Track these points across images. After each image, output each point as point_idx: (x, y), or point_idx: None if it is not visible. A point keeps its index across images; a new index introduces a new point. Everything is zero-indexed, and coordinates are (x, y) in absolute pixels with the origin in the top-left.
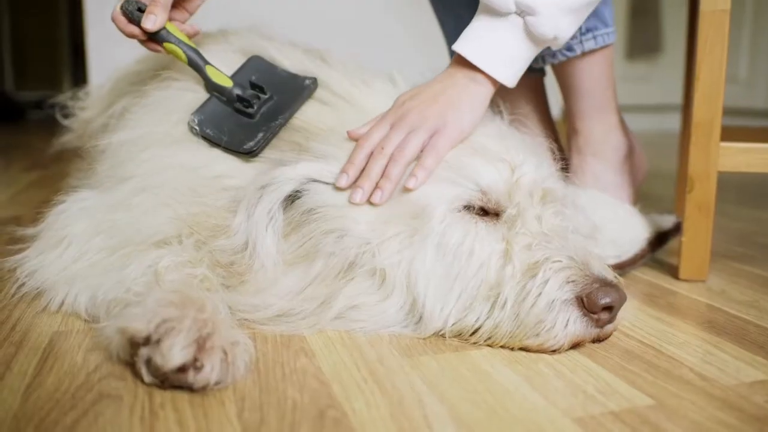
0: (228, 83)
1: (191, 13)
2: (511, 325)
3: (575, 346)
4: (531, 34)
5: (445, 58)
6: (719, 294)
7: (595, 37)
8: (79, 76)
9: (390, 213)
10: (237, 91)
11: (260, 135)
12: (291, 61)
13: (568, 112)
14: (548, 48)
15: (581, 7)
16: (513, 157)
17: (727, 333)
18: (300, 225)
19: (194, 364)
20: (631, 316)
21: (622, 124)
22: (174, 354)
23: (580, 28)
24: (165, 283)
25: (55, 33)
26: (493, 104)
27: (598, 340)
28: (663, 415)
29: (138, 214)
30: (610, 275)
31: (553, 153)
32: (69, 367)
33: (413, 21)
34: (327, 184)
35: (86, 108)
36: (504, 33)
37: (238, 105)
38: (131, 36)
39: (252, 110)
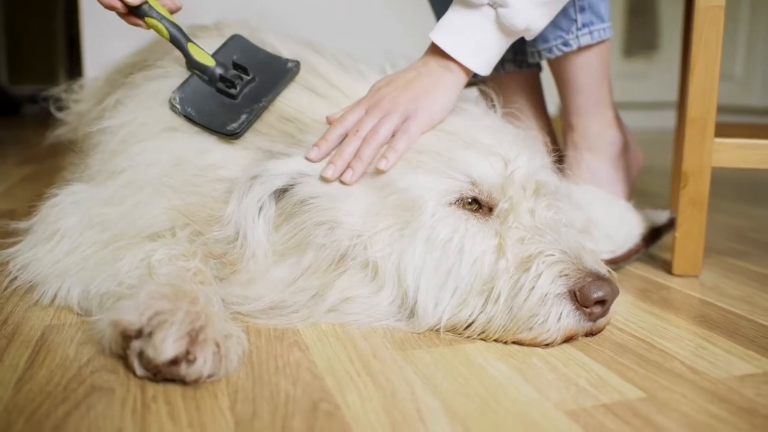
0: (210, 62)
1: None
2: (504, 318)
3: (568, 339)
4: (502, 26)
5: None
6: (712, 289)
7: (591, 32)
8: (74, 70)
9: (382, 205)
10: (219, 71)
11: (243, 117)
12: (287, 53)
13: (564, 108)
14: (545, 43)
15: (553, 0)
16: (506, 151)
17: (719, 327)
18: (291, 216)
19: (187, 357)
20: (625, 310)
21: (618, 119)
22: (166, 347)
23: (576, 23)
24: (158, 276)
25: (50, 27)
26: (488, 98)
27: (590, 333)
28: (654, 408)
29: (131, 206)
30: (603, 269)
31: (548, 147)
32: (61, 360)
33: (409, 14)
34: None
35: (80, 100)
36: (476, 23)
37: (220, 85)
38: (111, 8)
39: (235, 91)
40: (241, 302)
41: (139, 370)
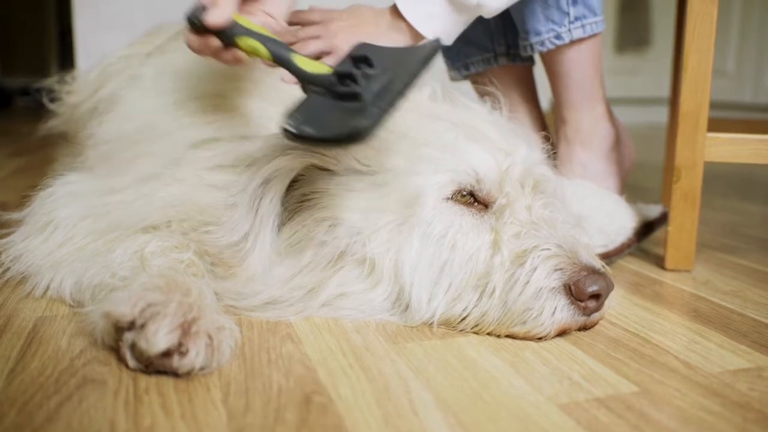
0: (326, 69)
1: (276, 18)
2: (498, 312)
3: (562, 333)
4: (453, 1)
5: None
6: (704, 284)
7: (583, 26)
8: (66, 63)
9: (384, 201)
10: (338, 69)
11: (374, 111)
12: None
13: (556, 102)
14: (537, 36)
15: None
16: (507, 146)
17: (712, 322)
18: (292, 214)
19: (179, 349)
20: (617, 304)
21: (610, 113)
22: (158, 339)
23: (569, 16)
24: (151, 267)
25: (42, 19)
26: (491, 94)
27: (584, 328)
28: (647, 402)
29: (131, 198)
30: (598, 264)
31: (542, 142)
32: (53, 351)
33: None
34: (323, 170)
35: (73, 92)
36: None
37: (340, 88)
38: (201, 51)
39: (359, 88)
40: (237, 298)
41: (132, 362)
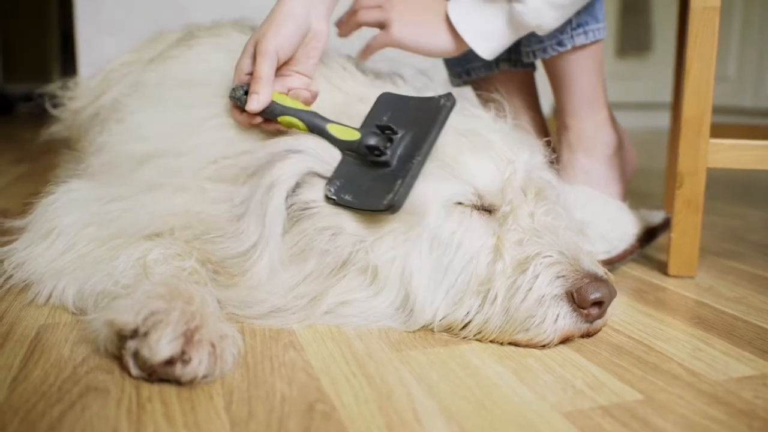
0: (355, 136)
1: (309, 76)
2: (501, 319)
3: (565, 341)
4: (514, 20)
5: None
6: (708, 290)
7: (585, 32)
8: (68, 69)
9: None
10: (366, 142)
11: (399, 182)
12: None
13: (558, 108)
14: (539, 42)
15: (569, 5)
16: (510, 153)
17: (716, 329)
18: (295, 222)
19: (182, 357)
20: (620, 311)
21: (612, 119)
22: (161, 347)
23: (571, 23)
24: (153, 275)
25: (44, 25)
26: (494, 101)
27: (587, 335)
28: (652, 410)
29: (134, 207)
30: (601, 271)
31: (544, 148)
32: (56, 359)
33: None
34: (323, 178)
35: (75, 98)
36: (490, 13)
37: (370, 157)
38: (246, 125)
39: (386, 157)
40: (241, 307)
41: (135, 370)
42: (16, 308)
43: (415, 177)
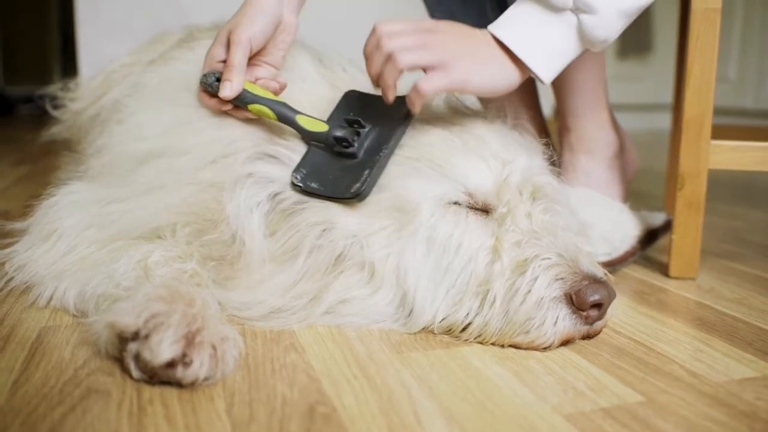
0: (323, 128)
1: (276, 67)
2: (500, 322)
3: (565, 343)
4: (583, 35)
5: None
6: (709, 291)
7: None
8: (69, 71)
9: (376, 206)
10: (334, 133)
11: (366, 173)
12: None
13: (560, 109)
14: None
15: (635, 11)
16: (504, 154)
17: (717, 330)
18: (286, 218)
19: (183, 360)
20: (622, 313)
21: (614, 121)
22: (163, 349)
23: None
24: (154, 277)
25: (45, 27)
26: (494, 102)
27: (587, 336)
28: (653, 412)
29: (135, 207)
30: (600, 272)
31: (544, 149)
32: (57, 362)
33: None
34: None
35: (76, 99)
36: (553, 28)
37: (337, 148)
38: (215, 110)
39: (353, 149)
40: (241, 308)
41: (136, 373)
42: (17, 310)
43: (381, 169)
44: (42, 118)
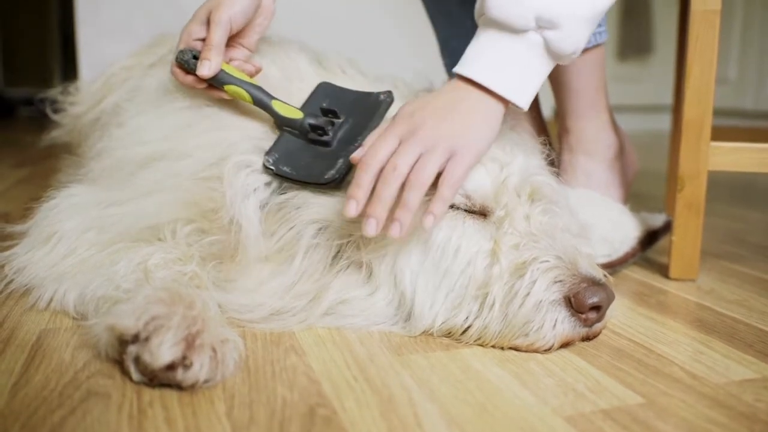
0: (298, 115)
1: (251, 50)
2: (500, 325)
3: (565, 345)
4: (550, 51)
5: (439, 60)
6: (709, 293)
7: None
8: (69, 73)
9: None
10: (309, 121)
11: (340, 161)
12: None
13: (560, 111)
14: None
15: (597, 16)
16: (501, 156)
17: (717, 331)
18: (282, 217)
19: (183, 362)
20: (621, 314)
21: (613, 122)
22: (163, 352)
23: None
24: (154, 280)
25: (45, 29)
26: None
27: (587, 338)
28: (653, 413)
29: (135, 209)
30: (599, 274)
31: (544, 150)
32: (57, 364)
33: (406, 21)
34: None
35: (77, 103)
36: (520, 52)
37: (312, 135)
38: (190, 86)
39: (327, 137)
40: (241, 311)
41: (136, 375)
42: (17, 313)
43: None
44: (42, 120)
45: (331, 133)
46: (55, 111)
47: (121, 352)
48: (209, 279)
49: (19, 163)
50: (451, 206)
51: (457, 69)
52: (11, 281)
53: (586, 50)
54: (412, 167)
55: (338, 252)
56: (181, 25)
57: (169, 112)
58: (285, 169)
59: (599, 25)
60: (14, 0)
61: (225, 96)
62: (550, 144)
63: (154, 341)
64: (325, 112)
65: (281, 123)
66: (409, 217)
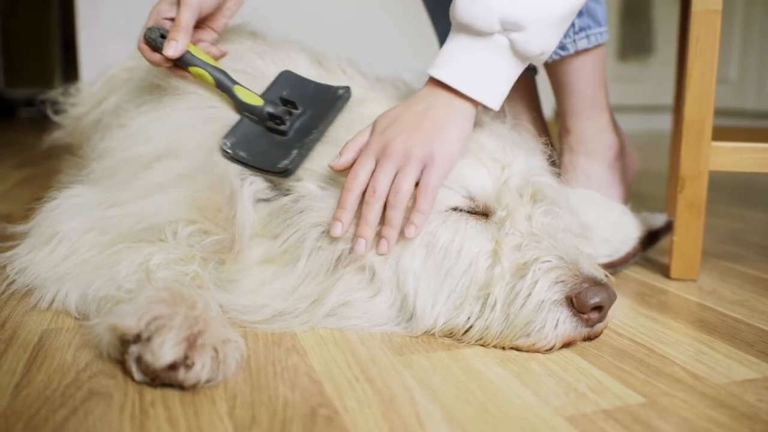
0: (258, 102)
1: (218, 33)
2: (501, 325)
3: (567, 345)
4: (517, 53)
5: None
6: (710, 293)
7: (588, 36)
8: (70, 74)
9: None
10: (268, 109)
11: (294, 152)
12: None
13: (560, 111)
14: None
15: (567, 17)
16: (503, 156)
17: (718, 332)
18: (286, 219)
19: (185, 362)
20: (623, 314)
21: (614, 122)
22: (164, 351)
23: (573, 27)
24: (156, 280)
25: (46, 30)
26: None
27: (588, 338)
28: (654, 413)
29: (137, 209)
30: (600, 274)
31: (545, 151)
32: (59, 364)
33: (407, 21)
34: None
35: (77, 104)
36: (487, 54)
37: (270, 123)
38: (155, 64)
39: (285, 127)
40: (243, 311)
41: (138, 375)
42: (19, 313)
43: (309, 150)
44: (43, 121)
45: (288, 123)
46: (56, 112)
47: (123, 352)
48: (211, 279)
49: (19, 164)
50: (454, 208)
51: (429, 71)
52: (13, 282)
53: (586, 51)
54: (391, 185)
55: (341, 255)
56: None
57: (171, 113)
58: (242, 154)
59: (600, 25)
60: (15, 1)
61: (189, 77)
62: (552, 145)
63: (156, 341)
64: (285, 101)
65: (242, 108)
66: (395, 234)
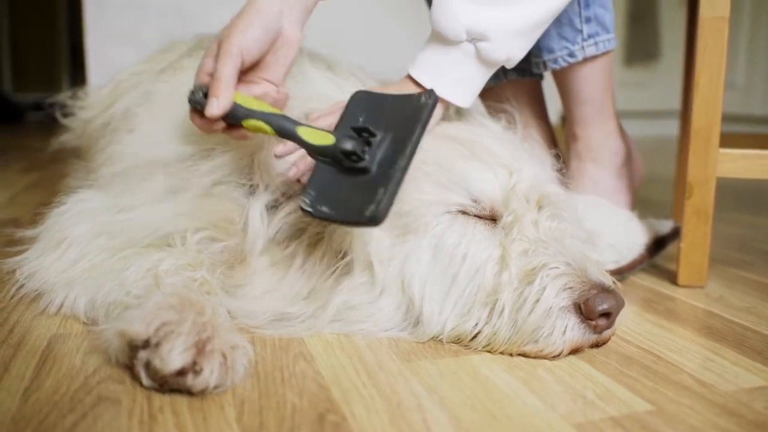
0: (329, 140)
1: (277, 85)
2: (509, 331)
3: (574, 351)
4: (483, 60)
5: None
6: (717, 300)
7: (596, 43)
8: (77, 78)
9: None
10: (341, 146)
11: (381, 191)
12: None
13: (568, 118)
14: (550, 53)
15: (532, 29)
16: (511, 162)
17: (726, 339)
18: (297, 228)
19: (193, 368)
20: (630, 321)
21: (621, 129)
22: (173, 357)
23: (582, 34)
24: (165, 286)
25: (53, 35)
26: (505, 111)
27: (596, 345)
28: (662, 421)
29: (146, 215)
30: (608, 281)
31: (551, 156)
32: (67, 369)
33: (411, 21)
34: None
35: (86, 107)
36: (456, 61)
37: (347, 163)
38: (207, 131)
39: (364, 163)
40: (250, 316)
41: (146, 381)
42: (28, 318)
43: (399, 184)
44: (51, 125)
45: (368, 157)
46: (65, 115)
47: (132, 358)
48: (219, 285)
49: (28, 168)
50: (461, 211)
51: (408, 68)
52: (22, 286)
53: (594, 58)
54: None
55: (345, 254)
56: (187, 32)
57: (181, 118)
58: (323, 209)
59: (608, 32)
60: (23, 6)
61: (247, 134)
62: (561, 157)
63: (164, 347)
64: (359, 131)
65: (312, 152)
66: None
